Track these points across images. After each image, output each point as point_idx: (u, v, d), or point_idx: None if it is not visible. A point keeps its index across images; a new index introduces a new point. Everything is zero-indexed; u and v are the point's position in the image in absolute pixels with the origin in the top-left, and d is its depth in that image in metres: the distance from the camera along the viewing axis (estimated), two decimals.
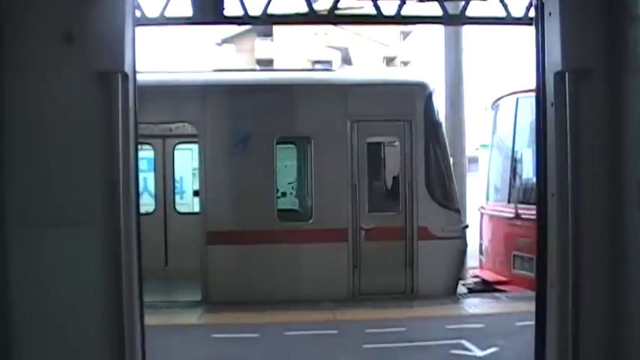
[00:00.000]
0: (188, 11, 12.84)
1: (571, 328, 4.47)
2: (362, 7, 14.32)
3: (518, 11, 13.05)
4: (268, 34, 57.78)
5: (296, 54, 51.09)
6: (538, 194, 4.83)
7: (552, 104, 4.63)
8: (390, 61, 60.57)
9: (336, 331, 12.15)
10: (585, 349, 4.51)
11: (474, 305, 14.33)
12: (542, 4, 4.74)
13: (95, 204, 4.43)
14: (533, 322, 10.52)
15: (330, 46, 54.40)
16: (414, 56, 60.41)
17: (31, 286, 4.44)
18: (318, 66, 39.56)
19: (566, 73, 4.51)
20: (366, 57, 55.16)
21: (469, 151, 22.28)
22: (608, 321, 4.55)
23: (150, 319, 11.86)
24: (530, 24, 12.88)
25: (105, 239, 4.40)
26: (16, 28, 4.41)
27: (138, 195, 4.74)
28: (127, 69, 4.49)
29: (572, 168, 4.47)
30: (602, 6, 4.53)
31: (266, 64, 50.64)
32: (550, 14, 4.66)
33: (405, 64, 60.28)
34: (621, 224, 4.47)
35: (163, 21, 12.85)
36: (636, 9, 4.37)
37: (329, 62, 47.18)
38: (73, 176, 4.46)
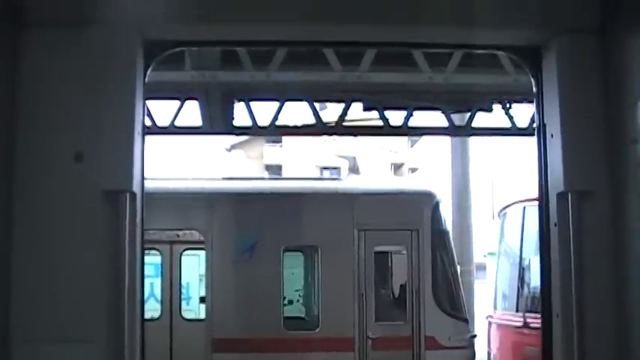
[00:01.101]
0: (198, 121, 13.14)
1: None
2: (370, 119, 14.62)
3: (522, 122, 13.34)
4: (277, 141, 58.24)
5: (305, 160, 51.51)
6: (542, 315, 4.83)
7: (555, 224, 4.67)
8: (397, 167, 60.96)
9: None
10: None
11: None
12: (545, 126, 4.83)
13: (100, 322, 4.44)
14: None
15: (339, 155, 54.88)
16: (421, 163, 60.77)
17: None
18: (326, 172, 39.86)
19: (569, 194, 4.57)
20: (374, 164, 55.54)
21: (477, 258, 22.29)
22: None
23: None
24: (534, 134, 13.10)
25: (108, 358, 4.39)
26: (27, 147, 4.50)
27: (143, 311, 4.75)
28: (135, 187, 4.56)
29: (577, 288, 4.47)
30: (603, 128, 4.61)
31: (275, 169, 51.04)
32: (552, 136, 4.75)
33: (413, 170, 60.60)
34: (629, 348, 4.45)
35: (173, 130, 13.13)
36: (634, 132, 4.45)
37: (337, 169, 47.59)
38: (79, 294, 4.47)
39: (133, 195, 4.53)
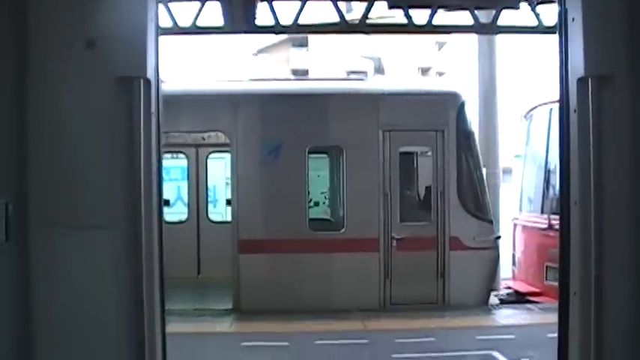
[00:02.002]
0: (220, 21, 13.02)
1: (594, 335, 4.42)
2: (394, 17, 14.41)
3: (550, 20, 13.09)
4: (304, 44, 57.95)
5: (331, 64, 51.18)
6: (561, 202, 4.79)
7: (575, 111, 4.59)
8: (425, 71, 60.51)
9: (366, 341, 12.11)
10: (607, 357, 4.46)
11: (506, 316, 14.24)
12: (566, 10, 4.71)
13: (116, 208, 4.45)
14: None
15: (363, 56, 54.44)
16: (449, 67, 60.26)
17: (51, 288, 4.46)
18: (352, 76, 39.55)
19: (589, 79, 4.47)
20: (401, 67, 55.12)
21: (503, 161, 22.15)
22: (632, 328, 4.50)
23: (182, 327, 11.99)
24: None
25: (125, 243, 4.41)
26: (38, 33, 4.45)
27: (161, 200, 4.75)
28: (150, 75, 4.51)
29: (595, 174, 4.42)
30: (626, 11, 4.49)
31: (301, 74, 50.69)
32: (573, 20, 4.63)
33: (440, 74, 60.17)
34: None
35: (195, 30, 13.03)
36: None
37: (364, 72, 47.25)
38: (94, 180, 4.48)
39: (148, 82, 4.49)
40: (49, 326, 4.46)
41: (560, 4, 4.80)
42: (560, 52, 4.76)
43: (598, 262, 4.42)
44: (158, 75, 4.67)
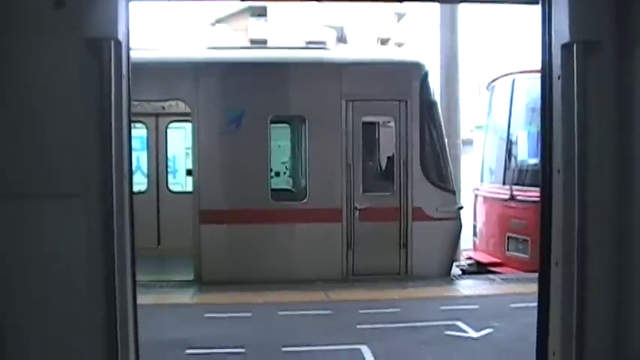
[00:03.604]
0: None
1: (576, 306, 4.37)
2: None
3: None
4: (262, 14, 57.59)
5: (290, 34, 50.91)
6: (542, 170, 4.71)
7: (559, 77, 4.50)
8: (384, 42, 60.41)
9: (329, 312, 12.07)
10: (590, 326, 4.42)
11: (468, 287, 14.29)
12: None
13: (86, 175, 4.29)
14: (526, 304, 10.54)
15: (326, 25, 54.26)
16: (408, 38, 60.24)
17: (18, 261, 4.31)
18: (311, 46, 39.37)
19: (574, 45, 4.38)
20: (360, 38, 55.03)
21: (464, 132, 22.21)
22: (614, 298, 4.46)
23: (143, 299, 11.81)
24: (528, 3, 12.82)
25: (96, 212, 4.26)
26: None
27: (131, 168, 4.60)
28: (121, 37, 4.34)
29: (579, 143, 4.34)
30: None
31: (260, 44, 50.35)
32: None
33: (399, 45, 60.08)
34: (629, 200, 4.37)
35: None
36: None
37: (323, 42, 47.02)
38: (62, 146, 4.31)
39: (119, 43, 4.32)
40: (14, 300, 4.31)
41: None
42: (543, 17, 4.66)
43: (581, 233, 4.36)
44: (129, 37, 4.50)
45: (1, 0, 4.24)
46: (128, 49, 4.48)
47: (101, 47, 4.24)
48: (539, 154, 15.24)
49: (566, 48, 4.44)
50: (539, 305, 4.75)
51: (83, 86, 4.26)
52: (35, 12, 4.27)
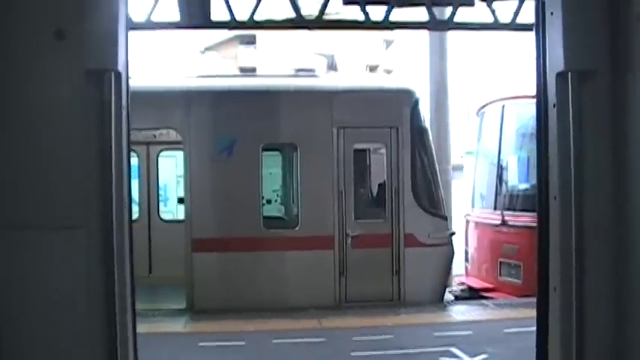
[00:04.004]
0: (175, 16, 12.82)
1: (575, 331, 4.39)
2: (339, 13, 14.36)
3: (505, 17, 13.11)
4: (252, 42, 57.70)
5: (279, 62, 51.01)
6: (539, 197, 4.75)
7: (554, 105, 4.56)
8: (372, 69, 60.58)
9: (323, 339, 12.04)
10: (589, 350, 4.44)
11: (462, 312, 14.28)
12: (544, 4, 4.67)
13: (87, 207, 4.30)
14: (520, 329, 10.55)
15: (317, 53, 54.39)
16: (396, 65, 60.44)
17: (20, 292, 4.31)
18: (301, 74, 39.43)
19: (569, 74, 4.44)
20: (349, 65, 55.18)
21: (454, 158, 22.30)
22: (613, 322, 4.48)
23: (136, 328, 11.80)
24: (518, 30, 12.92)
25: (97, 243, 4.27)
26: (6, 22, 4.28)
27: (131, 197, 4.61)
28: (121, 68, 4.37)
29: (576, 169, 4.39)
30: (606, 5, 4.46)
31: (249, 71, 50.43)
32: (552, 14, 4.59)
33: (388, 72, 60.25)
34: (625, 227, 4.40)
35: (151, 25, 12.80)
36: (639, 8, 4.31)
37: (312, 70, 47.13)
38: (64, 178, 4.32)
39: (119, 74, 4.34)
40: (15, 331, 4.30)
41: None
42: (538, 46, 4.72)
43: (579, 257, 4.39)
44: (128, 68, 4.53)
45: (3, 31, 4.27)
46: (127, 79, 4.51)
47: (102, 79, 4.27)
48: (529, 180, 15.45)
49: (561, 76, 4.49)
50: (537, 330, 4.77)
51: (84, 117, 4.29)
52: (36, 43, 4.30)
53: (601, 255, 4.48)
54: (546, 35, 4.64)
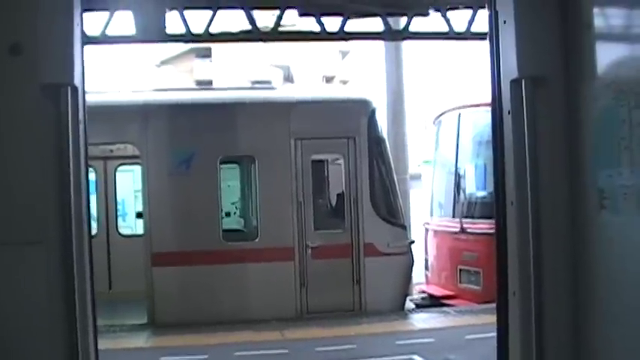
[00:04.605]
0: (130, 30, 12.80)
1: (535, 335, 4.44)
2: (294, 25, 14.44)
3: (460, 26, 13.28)
4: (207, 55, 57.56)
5: (235, 74, 50.92)
6: (496, 203, 4.81)
7: (509, 112, 4.62)
8: (329, 80, 60.70)
9: (286, 350, 12.02)
10: (549, 355, 4.49)
11: (423, 320, 14.36)
12: (497, 13, 4.74)
13: (46, 222, 4.27)
14: (482, 335, 10.62)
15: (273, 65, 54.43)
16: (352, 75, 60.62)
17: None
18: (257, 86, 39.34)
19: (523, 80, 4.51)
20: (306, 76, 55.26)
21: (412, 167, 22.42)
22: (572, 327, 4.54)
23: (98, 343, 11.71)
24: (473, 39, 13.06)
25: (56, 259, 4.24)
26: None
27: (89, 213, 4.59)
28: (77, 82, 4.35)
29: (531, 175, 4.45)
30: (558, 13, 4.53)
31: (205, 84, 50.23)
32: (505, 22, 4.66)
33: (344, 82, 60.40)
34: (582, 230, 4.47)
35: (106, 40, 12.78)
36: (590, 16, 4.39)
37: (269, 82, 47.17)
38: (22, 194, 4.29)
39: (75, 89, 4.33)
40: None
41: (490, 7, 4.82)
42: (491, 54, 4.78)
43: (537, 262, 4.45)
44: (84, 82, 4.51)
45: None
46: (84, 94, 4.50)
47: (58, 93, 4.25)
48: (487, 187, 15.59)
49: (514, 83, 4.56)
50: (498, 335, 4.82)
51: (40, 132, 4.26)
52: None
53: (559, 260, 4.54)
54: (499, 43, 4.71)
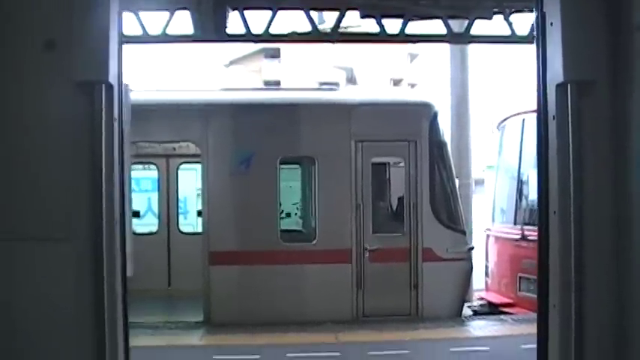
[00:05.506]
0: (190, 30, 12.90)
1: (574, 349, 4.30)
2: (359, 26, 14.36)
3: (523, 29, 13.06)
4: (276, 55, 57.85)
5: (303, 75, 51.05)
6: (539, 211, 4.67)
7: (554, 117, 4.49)
8: (397, 83, 60.50)
9: (338, 354, 11.97)
10: None
11: (480, 328, 14.16)
12: (544, 15, 4.61)
13: (76, 219, 4.27)
14: None
15: (336, 66, 54.44)
16: (421, 79, 60.36)
17: (7, 302, 4.28)
18: (324, 87, 39.31)
19: (569, 85, 4.37)
20: (373, 78, 55.16)
21: (475, 172, 22.17)
22: (613, 342, 4.39)
23: (152, 340, 11.80)
24: (529, 43, 12.81)
25: (85, 257, 4.23)
26: None
27: (125, 211, 4.57)
28: (112, 79, 4.34)
29: (575, 183, 4.31)
30: (606, 15, 4.39)
31: (273, 84, 50.52)
32: (552, 24, 4.53)
33: (412, 86, 60.19)
34: (626, 241, 4.31)
35: (165, 39, 12.89)
36: (639, 18, 4.24)
37: (336, 83, 47.19)
38: (53, 189, 4.30)
39: (110, 87, 4.32)
40: (5, 343, 4.27)
41: (537, 9, 4.69)
42: (538, 57, 4.66)
43: (578, 274, 4.30)
44: (121, 81, 4.50)
45: None
46: (121, 91, 4.48)
47: (92, 90, 4.24)
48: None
49: (560, 88, 4.43)
50: (537, 346, 4.69)
51: (74, 129, 4.27)
52: (25, 54, 4.28)
53: (601, 273, 4.39)
54: (546, 46, 4.58)
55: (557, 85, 4.45)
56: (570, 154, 4.32)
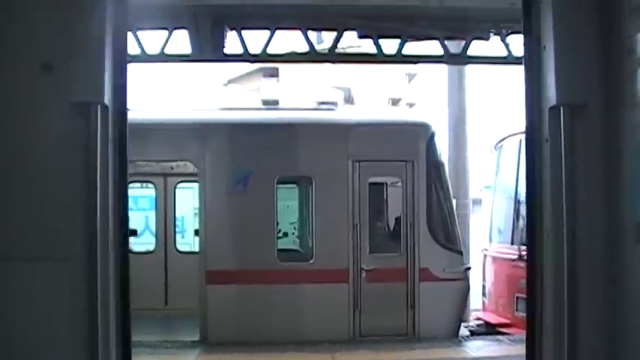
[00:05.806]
0: (188, 50, 12.96)
1: None
2: (360, 47, 14.42)
3: (519, 51, 13.10)
4: (274, 75, 57.83)
5: (302, 94, 51.06)
6: (530, 233, 4.69)
7: (547, 140, 4.52)
8: (395, 102, 60.51)
9: None
10: None
11: (477, 348, 14.13)
12: (538, 37, 4.64)
13: (71, 239, 4.28)
14: None
15: (333, 86, 54.49)
16: (419, 98, 60.39)
17: (1, 321, 4.29)
18: (322, 106, 39.31)
19: (561, 108, 4.39)
20: (371, 98, 55.18)
21: (473, 192, 22.19)
22: None
23: (148, 359, 11.77)
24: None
25: (80, 277, 4.24)
26: None
27: (121, 231, 4.58)
28: (107, 101, 4.36)
29: (568, 206, 4.33)
30: (598, 39, 4.42)
31: (272, 104, 50.48)
32: (544, 48, 4.56)
33: (411, 105, 60.20)
34: (618, 263, 4.33)
35: (163, 58, 12.94)
36: (632, 42, 4.27)
37: (334, 103, 47.20)
38: (49, 210, 4.32)
39: (105, 107, 4.34)
40: None
41: (529, 33, 4.72)
42: (528, 80, 4.68)
43: (571, 295, 4.31)
44: (119, 101, 4.53)
45: None
46: (118, 112, 4.50)
47: (88, 111, 4.27)
48: None
49: (553, 111, 4.45)
50: None
51: (70, 150, 4.29)
52: (22, 76, 4.31)
53: (594, 295, 4.39)
54: (541, 69, 4.61)
55: (550, 108, 4.48)
56: (563, 177, 4.34)
